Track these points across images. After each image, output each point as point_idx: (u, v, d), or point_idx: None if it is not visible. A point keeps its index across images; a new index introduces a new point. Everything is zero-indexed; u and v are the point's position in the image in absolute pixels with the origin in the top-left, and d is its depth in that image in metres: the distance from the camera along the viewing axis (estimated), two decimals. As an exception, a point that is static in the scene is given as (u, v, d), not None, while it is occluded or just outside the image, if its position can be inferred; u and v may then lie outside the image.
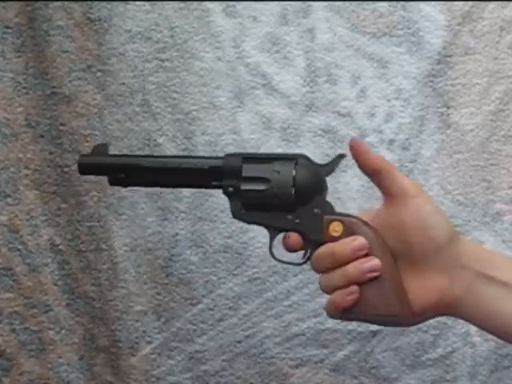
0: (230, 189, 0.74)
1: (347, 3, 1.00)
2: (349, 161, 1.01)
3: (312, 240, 0.72)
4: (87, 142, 1.01)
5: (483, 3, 1.00)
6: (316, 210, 0.73)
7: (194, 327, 1.03)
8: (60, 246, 1.03)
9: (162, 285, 1.03)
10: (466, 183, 1.02)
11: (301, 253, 0.74)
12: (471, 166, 1.02)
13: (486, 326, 0.71)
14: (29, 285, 1.03)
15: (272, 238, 0.74)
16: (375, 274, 0.70)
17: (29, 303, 1.03)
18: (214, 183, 0.75)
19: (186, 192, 1.01)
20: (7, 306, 1.02)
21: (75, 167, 1.00)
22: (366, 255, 0.70)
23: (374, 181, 0.73)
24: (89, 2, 0.99)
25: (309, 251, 0.73)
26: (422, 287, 0.70)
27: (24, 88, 1.01)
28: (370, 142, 1.01)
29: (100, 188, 1.02)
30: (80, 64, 1.00)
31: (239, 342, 1.03)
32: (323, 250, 0.71)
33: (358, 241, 0.70)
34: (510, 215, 1.02)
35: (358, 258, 0.70)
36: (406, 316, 0.70)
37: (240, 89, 1.01)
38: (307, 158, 0.74)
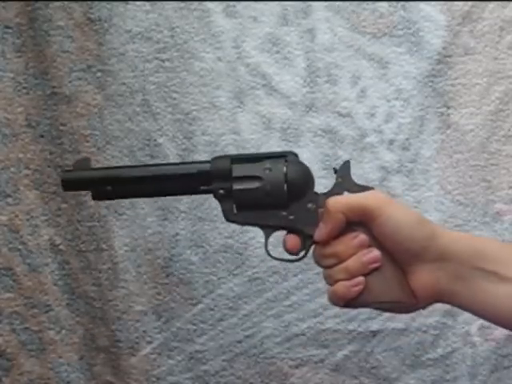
0: (221, 191, 0.74)
1: (347, 3, 1.00)
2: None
3: (308, 235, 0.73)
4: (87, 141, 1.01)
5: (483, 3, 1.00)
6: (310, 205, 0.73)
7: (194, 327, 1.03)
8: (60, 246, 1.03)
9: (162, 285, 1.03)
10: (466, 183, 1.02)
11: None
12: (471, 166, 1.02)
13: (480, 313, 0.72)
14: (29, 285, 1.03)
15: (267, 237, 0.74)
16: (376, 264, 0.71)
17: (29, 303, 1.03)
18: (202, 188, 0.74)
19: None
20: (7, 305, 1.02)
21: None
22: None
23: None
24: (89, 2, 0.99)
25: (306, 246, 0.73)
26: (412, 280, 0.71)
27: (24, 88, 1.01)
28: (370, 142, 1.01)
29: (100, 188, 1.02)
30: (80, 64, 1.00)
31: (239, 341, 1.03)
32: (326, 250, 0.72)
33: (359, 238, 0.71)
34: (510, 215, 1.02)
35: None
36: (408, 301, 0.71)
37: (240, 89, 1.01)
38: (295, 155, 0.74)
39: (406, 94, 1.01)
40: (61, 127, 1.01)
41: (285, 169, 0.73)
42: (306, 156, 1.01)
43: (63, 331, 1.03)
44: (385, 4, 1.00)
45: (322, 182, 1.01)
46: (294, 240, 0.73)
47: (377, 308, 0.73)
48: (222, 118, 1.01)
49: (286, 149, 1.01)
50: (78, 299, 1.03)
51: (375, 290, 0.71)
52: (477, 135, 1.01)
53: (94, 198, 0.76)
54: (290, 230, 0.74)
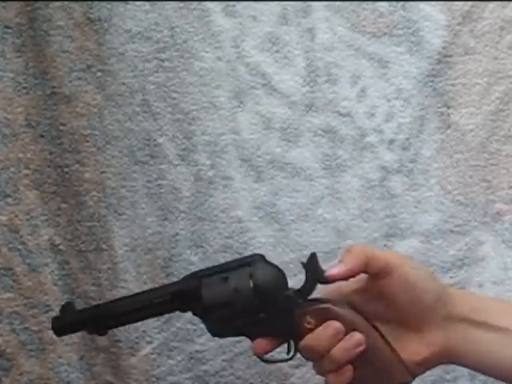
0: (199, 310, 0.75)
1: (347, 3, 1.00)
2: (349, 161, 1.02)
3: (289, 337, 0.73)
4: (87, 141, 1.01)
5: (483, 3, 1.00)
6: (285, 307, 0.73)
7: (194, 327, 1.03)
8: (60, 246, 1.03)
9: (162, 285, 1.03)
10: (466, 183, 1.02)
11: None
12: (471, 166, 1.02)
13: (487, 371, 0.72)
14: (29, 285, 1.03)
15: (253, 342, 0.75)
16: (360, 348, 0.70)
17: (29, 303, 1.03)
18: (183, 307, 0.76)
19: (186, 192, 1.01)
20: (7, 305, 1.02)
21: (75, 167, 1.01)
22: (346, 334, 0.70)
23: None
24: (89, 2, 0.99)
25: (292, 344, 0.73)
26: (418, 345, 0.71)
27: (24, 88, 1.01)
28: (370, 142, 1.01)
29: (100, 188, 1.02)
30: (80, 64, 1.00)
31: (239, 342, 1.03)
32: (303, 346, 0.71)
33: (331, 327, 0.70)
34: (510, 215, 1.02)
35: (339, 340, 0.70)
36: (404, 379, 0.71)
37: (240, 89, 1.01)
38: (262, 258, 0.75)
39: (406, 94, 1.01)
40: (61, 127, 1.01)
41: (251, 283, 0.73)
42: (306, 156, 1.01)
43: (63, 331, 1.03)
44: (385, 4, 1.00)
45: (323, 182, 1.02)
46: (260, 344, 0.73)
47: None
48: (221, 118, 1.01)
49: (286, 149, 1.01)
50: (77, 299, 1.03)
51: (369, 376, 0.70)
52: (477, 135, 1.01)
53: (90, 333, 0.79)
54: (271, 334, 0.73)
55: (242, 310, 0.73)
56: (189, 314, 1.02)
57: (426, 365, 0.72)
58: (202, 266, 1.01)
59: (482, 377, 1.02)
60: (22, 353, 1.03)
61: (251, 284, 0.73)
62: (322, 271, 0.73)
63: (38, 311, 1.03)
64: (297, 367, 1.03)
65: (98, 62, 1.00)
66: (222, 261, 1.01)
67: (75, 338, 1.04)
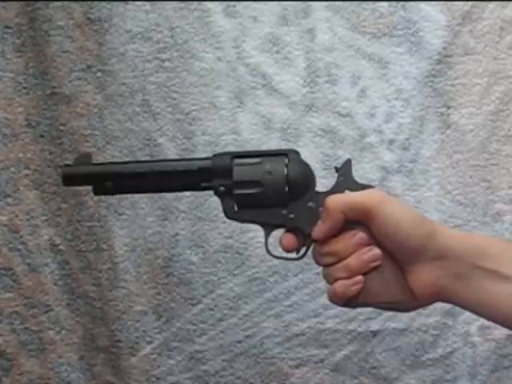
0: (222, 188, 0.74)
1: (347, 3, 1.00)
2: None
3: (308, 233, 0.72)
4: (87, 141, 1.01)
5: (483, 3, 1.00)
6: (310, 204, 0.73)
7: (194, 327, 1.03)
8: (60, 246, 1.03)
9: (162, 285, 1.03)
10: (466, 183, 1.02)
11: None
12: (471, 166, 1.02)
13: (481, 312, 0.72)
14: (29, 285, 1.03)
15: (267, 235, 0.74)
16: (376, 263, 0.71)
17: (29, 303, 1.03)
18: (203, 184, 0.74)
19: (186, 192, 1.01)
20: (7, 305, 1.02)
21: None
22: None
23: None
24: (89, 2, 0.99)
25: (306, 244, 0.73)
26: (412, 280, 0.71)
27: (24, 88, 1.01)
28: (370, 142, 1.01)
29: (100, 188, 1.02)
30: (80, 64, 1.00)
31: (239, 341, 1.03)
32: (325, 249, 0.72)
33: (358, 236, 0.71)
34: (510, 215, 1.02)
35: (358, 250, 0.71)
36: (407, 301, 0.71)
37: (240, 89, 1.01)
38: (297, 153, 0.74)
39: (406, 94, 1.01)
40: (61, 127, 1.01)
41: (285, 170, 0.72)
42: (305, 156, 1.01)
43: (63, 331, 1.03)
44: (385, 4, 1.00)
45: (323, 182, 1.02)
46: (289, 238, 0.73)
47: (375, 307, 0.73)
48: (221, 118, 1.01)
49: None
50: (77, 299, 1.03)
51: (374, 289, 0.71)
52: (477, 135, 1.01)
53: (96, 193, 0.76)
54: (290, 229, 0.73)
55: (269, 195, 0.72)
56: (189, 314, 1.03)
57: (422, 298, 0.72)
58: (202, 266, 1.02)
59: (481, 377, 1.02)
60: (22, 353, 1.03)
61: (285, 171, 0.72)
62: (354, 180, 0.73)
63: (38, 311, 1.03)
64: (297, 367, 1.03)
65: (98, 62, 1.00)
66: (222, 261, 1.02)
67: (75, 338, 1.04)
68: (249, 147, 1.00)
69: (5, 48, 1.00)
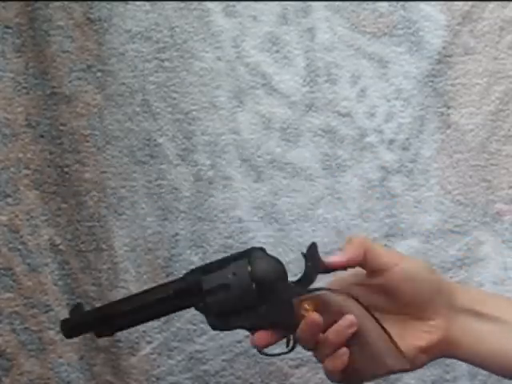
0: (201, 304, 0.75)
1: (347, 3, 1.00)
2: (349, 160, 1.02)
3: (288, 326, 0.72)
4: (87, 141, 1.01)
5: (483, 3, 1.00)
6: (284, 297, 0.73)
7: (194, 327, 1.03)
8: (60, 246, 1.03)
9: (162, 285, 1.03)
10: (466, 183, 1.02)
11: None
12: (471, 166, 1.02)
13: (487, 365, 0.72)
14: (29, 285, 1.03)
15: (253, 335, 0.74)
16: (353, 329, 0.70)
17: (29, 303, 1.03)
18: (186, 304, 0.76)
19: (186, 192, 1.01)
20: (7, 305, 1.02)
21: (75, 167, 1.01)
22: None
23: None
24: (89, 2, 0.99)
25: (291, 337, 0.73)
26: (419, 332, 0.71)
27: (24, 88, 1.01)
28: (370, 142, 1.01)
29: (100, 188, 1.02)
30: (80, 64, 1.00)
31: (239, 342, 1.03)
32: (299, 332, 0.71)
33: (311, 317, 0.70)
34: (510, 215, 1.02)
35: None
36: (403, 367, 0.71)
37: (240, 89, 1.01)
38: (262, 250, 0.74)
39: (406, 94, 1.01)
40: (61, 127, 1.01)
41: (249, 268, 0.73)
42: (306, 156, 1.01)
43: (63, 331, 1.03)
44: (385, 4, 1.00)
45: (322, 182, 1.02)
46: (261, 335, 0.73)
47: (375, 379, 0.73)
48: (221, 118, 1.01)
49: (286, 149, 1.01)
50: (77, 299, 1.03)
51: (367, 363, 0.70)
52: (477, 135, 1.01)
53: (99, 336, 0.79)
54: (271, 326, 0.73)
55: (241, 299, 0.72)
56: (189, 314, 1.03)
57: (427, 353, 0.72)
58: (202, 266, 1.02)
59: (481, 377, 1.02)
60: (21, 353, 1.03)
61: (249, 268, 0.72)
62: (322, 261, 0.73)
63: (38, 311, 1.03)
64: (297, 367, 1.03)
65: (98, 62, 1.00)
66: (222, 261, 1.02)
67: (75, 338, 1.04)
68: (249, 147, 1.00)
69: (5, 48, 1.00)
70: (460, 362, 1.01)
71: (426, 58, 1.00)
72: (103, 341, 1.03)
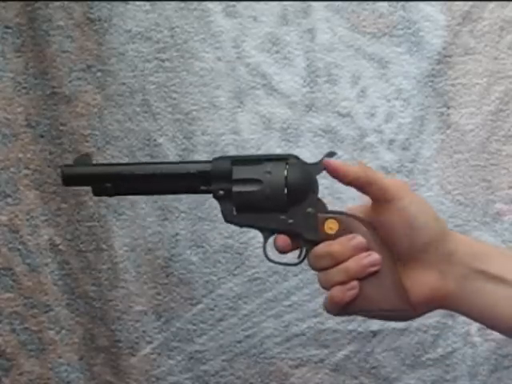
0: (221, 192, 0.73)
1: (347, 3, 1.00)
2: (349, 161, 1.02)
3: (307, 239, 0.72)
4: (87, 141, 1.01)
5: (483, 3, 1.00)
6: (309, 209, 0.72)
7: (194, 327, 1.03)
8: (60, 246, 1.03)
9: (162, 285, 1.03)
10: (466, 183, 1.02)
11: (296, 252, 0.73)
12: (471, 166, 1.02)
13: (482, 319, 0.71)
14: (29, 285, 1.03)
15: (266, 240, 0.74)
16: (375, 268, 0.69)
17: (29, 303, 1.03)
18: (202, 188, 0.74)
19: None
20: (7, 305, 1.02)
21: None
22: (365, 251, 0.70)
23: (358, 190, 0.72)
24: (89, 2, 0.99)
25: (304, 250, 0.72)
26: (414, 283, 0.70)
27: (24, 88, 1.01)
28: (370, 142, 1.01)
29: (100, 188, 1.02)
30: (80, 64, 1.00)
31: (239, 341, 1.03)
32: (321, 250, 0.71)
33: (356, 239, 0.70)
34: (510, 215, 1.02)
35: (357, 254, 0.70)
36: (405, 310, 0.70)
37: (240, 89, 1.01)
38: (298, 158, 0.74)
39: (406, 94, 1.01)
40: (61, 127, 1.01)
41: (285, 172, 0.72)
42: (306, 156, 1.01)
43: (63, 331, 1.03)
44: (385, 4, 1.00)
45: (322, 182, 1.02)
46: (284, 240, 0.72)
47: (372, 316, 0.72)
48: (221, 118, 1.01)
49: (286, 149, 1.01)
50: (77, 299, 1.03)
51: (372, 296, 0.70)
52: (477, 135, 1.01)
53: (95, 193, 0.76)
54: (289, 234, 0.72)
55: (268, 196, 0.71)
56: (189, 314, 1.03)
57: (422, 306, 0.71)
58: (202, 266, 1.02)
59: (481, 377, 1.02)
60: (21, 353, 1.03)
61: (285, 173, 0.72)
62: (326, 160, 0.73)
63: (38, 311, 1.03)
64: (297, 367, 1.03)
65: (98, 62, 1.00)
66: (222, 261, 1.02)
67: (75, 338, 1.04)
68: (249, 147, 1.00)
69: (5, 48, 1.00)
70: (460, 362, 1.02)
71: (425, 58, 1.00)
72: (103, 341, 1.03)
